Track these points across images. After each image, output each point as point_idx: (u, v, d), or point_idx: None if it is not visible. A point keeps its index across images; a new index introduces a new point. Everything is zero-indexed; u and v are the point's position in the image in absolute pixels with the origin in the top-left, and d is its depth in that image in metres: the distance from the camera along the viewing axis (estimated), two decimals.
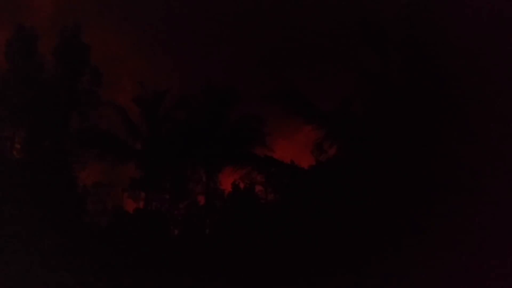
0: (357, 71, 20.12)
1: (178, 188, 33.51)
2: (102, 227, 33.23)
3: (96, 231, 30.50)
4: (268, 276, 19.86)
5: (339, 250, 17.67)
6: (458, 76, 17.66)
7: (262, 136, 28.85)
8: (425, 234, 15.60)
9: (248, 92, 31.69)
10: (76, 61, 31.45)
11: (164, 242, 29.57)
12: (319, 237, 18.61)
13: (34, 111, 30.03)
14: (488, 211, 15.02)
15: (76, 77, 31.61)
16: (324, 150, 21.61)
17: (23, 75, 30.53)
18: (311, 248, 18.65)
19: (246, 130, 29.84)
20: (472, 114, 16.91)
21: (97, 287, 21.28)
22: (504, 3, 16.98)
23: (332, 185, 19.83)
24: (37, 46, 31.54)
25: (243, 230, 27.20)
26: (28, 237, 22.90)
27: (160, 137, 30.51)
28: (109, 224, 33.98)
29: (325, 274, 17.21)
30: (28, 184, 26.08)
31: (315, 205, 19.42)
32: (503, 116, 16.14)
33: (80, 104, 31.54)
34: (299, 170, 22.56)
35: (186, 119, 30.64)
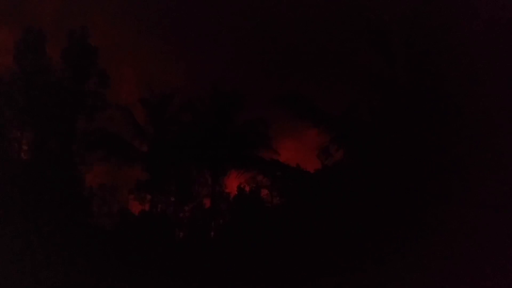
0: (364, 75, 20.07)
1: (184, 191, 33.56)
2: (107, 229, 33.30)
3: (101, 232, 30.55)
4: (273, 279, 19.81)
5: (344, 253, 17.62)
6: (465, 80, 17.59)
7: (268, 140, 28.85)
8: (430, 237, 15.55)
9: (254, 95, 31.71)
10: (84, 63, 31.63)
11: (169, 245, 29.57)
12: (325, 240, 18.56)
13: (41, 112, 30.18)
14: (490, 213, 15.03)
15: (83, 79, 31.77)
16: (330, 154, 21.56)
17: (30, 77, 30.70)
18: (317, 251, 18.61)
19: (252, 133, 29.83)
20: (479, 117, 16.84)
21: None
22: (508, 6, 16.96)
23: (337, 189, 19.77)
24: (45, 48, 31.73)
25: (249, 233, 27.16)
26: (33, 238, 22.97)
27: (166, 139, 30.56)
28: (114, 226, 34.06)
29: (331, 278, 17.16)
30: (34, 185, 26.18)
31: (321, 209, 19.37)
32: (507, 119, 16.12)
33: (87, 106, 31.68)
34: (305, 174, 22.52)
35: (192, 121, 30.67)
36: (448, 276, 14.61)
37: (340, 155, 20.81)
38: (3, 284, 19.68)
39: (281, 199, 28.67)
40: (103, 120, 31.23)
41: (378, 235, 16.92)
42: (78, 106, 31.52)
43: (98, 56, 32.06)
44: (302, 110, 20.15)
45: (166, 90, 31.03)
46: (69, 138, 31.15)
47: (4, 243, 21.77)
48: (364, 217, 17.55)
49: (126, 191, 36.74)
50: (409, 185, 17.17)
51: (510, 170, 15.31)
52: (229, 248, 26.58)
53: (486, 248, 14.57)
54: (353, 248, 17.36)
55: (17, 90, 30.64)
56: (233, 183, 34.49)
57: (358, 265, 16.65)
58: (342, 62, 20.91)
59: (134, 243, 26.46)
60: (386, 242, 16.51)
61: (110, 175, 34.51)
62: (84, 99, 31.74)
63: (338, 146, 20.40)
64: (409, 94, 19.00)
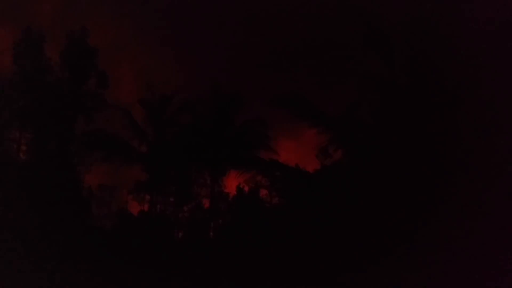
0: (364, 76, 20.09)
1: (183, 191, 33.55)
2: (106, 229, 33.33)
3: (100, 233, 30.57)
4: (272, 280, 19.83)
5: (343, 253, 17.64)
6: (464, 81, 17.62)
7: (267, 140, 28.85)
8: (428, 237, 15.56)
9: (253, 96, 31.76)
10: (83, 64, 31.66)
11: (169, 245, 29.57)
12: (324, 241, 18.58)
13: (40, 113, 30.19)
14: (491, 214, 15.04)
15: (83, 80, 31.80)
16: (329, 154, 21.60)
17: (30, 78, 30.72)
18: (315, 251, 18.62)
19: (251, 134, 29.84)
20: (479, 118, 16.87)
21: None
22: (509, 9, 16.98)
23: (336, 189, 19.79)
24: (44, 49, 31.76)
25: (248, 233, 27.18)
26: (32, 239, 22.97)
27: (165, 140, 30.55)
28: (113, 226, 34.10)
29: (329, 278, 17.17)
30: (33, 185, 26.18)
31: (320, 209, 19.38)
32: (508, 120, 16.14)
33: (86, 107, 31.70)
34: (304, 174, 22.56)
35: (192, 122, 30.67)
36: (447, 276, 14.63)
37: (339, 155, 20.87)
38: (2, 284, 19.69)
39: (280, 199, 28.73)
40: (102, 120, 31.27)
41: (377, 235, 16.94)
42: (77, 107, 31.54)
43: (97, 57, 32.12)
44: (301, 110, 20.16)
45: (166, 90, 31.04)
46: (68, 139, 31.15)
47: (3, 243, 21.78)
48: (363, 217, 17.57)
49: (125, 191, 36.86)
50: (408, 185, 17.19)
51: (510, 170, 15.34)
52: (229, 248, 26.59)
53: (486, 249, 14.59)
54: (352, 248, 17.38)
55: (16, 91, 30.65)
56: (232, 183, 34.59)
57: (357, 265, 16.67)
58: (341, 62, 20.92)
59: (133, 243, 26.46)
60: (386, 242, 16.53)
61: (109, 175, 34.64)
62: (83, 100, 31.77)
63: (337, 146, 20.44)
64: (408, 95, 19.02)
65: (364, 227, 17.35)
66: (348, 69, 20.59)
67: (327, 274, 17.49)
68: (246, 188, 35.46)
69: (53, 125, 30.38)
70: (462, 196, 15.88)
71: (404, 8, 19.22)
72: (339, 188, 19.68)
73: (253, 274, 21.40)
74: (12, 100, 30.27)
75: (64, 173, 29.33)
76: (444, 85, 18.18)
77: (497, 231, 14.67)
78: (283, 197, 26.85)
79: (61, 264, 21.79)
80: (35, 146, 30.73)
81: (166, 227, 32.74)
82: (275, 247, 21.52)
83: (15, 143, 31.53)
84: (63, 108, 30.75)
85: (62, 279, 20.75)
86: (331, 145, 20.41)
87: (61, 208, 25.97)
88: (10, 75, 30.41)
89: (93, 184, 35.31)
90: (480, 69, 17.05)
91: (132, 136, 30.19)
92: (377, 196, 17.53)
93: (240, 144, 29.62)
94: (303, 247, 19.35)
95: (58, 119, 30.48)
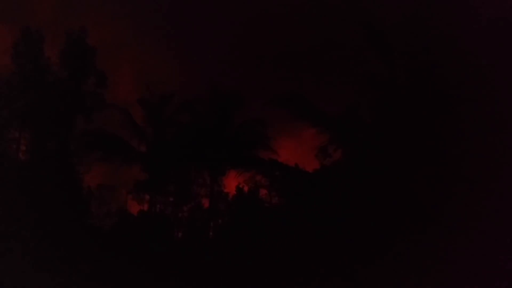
0: (363, 76, 20.10)
1: (183, 191, 33.49)
2: (106, 229, 33.29)
3: (99, 233, 30.54)
4: (272, 279, 19.83)
5: (342, 253, 17.65)
6: (464, 81, 17.63)
7: (266, 140, 28.81)
8: (428, 237, 15.57)
9: (253, 95, 31.69)
10: (82, 63, 31.62)
11: (168, 245, 29.56)
12: (323, 240, 18.59)
13: (40, 113, 30.17)
14: (490, 214, 15.05)
15: (82, 79, 31.76)
16: (328, 154, 21.61)
17: (28, 77, 30.68)
18: (315, 251, 18.63)
19: (250, 133, 29.81)
20: (478, 119, 16.88)
21: None
22: (508, 9, 17.02)
23: (336, 189, 19.80)
24: (43, 48, 31.71)
25: (247, 233, 27.16)
26: (31, 239, 22.96)
27: (164, 139, 30.52)
28: (113, 226, 34.04)
29: (329, 277, 17.18)
30: (32, 185, 26.17)
31: (319, 209, 19.40)
32: (507, 120, 16.16)
33: (85, 106, 31.67)
34: (304, 174, 22.58)
35: (191, 122, 30.65)
36: (447, 276, 14.64)
37: (338, 155, 20.90)
38: (2, 284, 19.68)
39: (280, 199, 28.74)
40: (102, 120, 31.21)
41: (376, 234, 16.95)
42: (76, 106, 31.49)
43: (96, 56, 32.07)
44: (301, 110, 20.20)
45: (165, 90, 31.00)
46: (68, 139, 31.12)
47: (2, 243, 21.77)
48: (362, 217, 17.58)
49: (125, 191, 36.69)
50: (408, 185, 17.20)
51: (510, 170, 15.36)
52: (228, 248, 26.59)
53: (486, 249, 14.60)
54: (352, 248, 17.39)
55: (15, 90, 30.61)
56: (231, 183, 34.48)
57: (356, 264, 16.68)
58: (341, 62, 20.94)
59: (132, 243, 26.45)
60: (385, 242, 16.54)
61: (109, 175, 34.43)
62: (82, 99, 31.71)
63: (336, 146, 20.47)
64: (407, 95, 19.04)
65: (364, 227, 17.36)
66: (348, 69, 20.61)
67: (326, 273, 17.49)
68: (246, 188, 35.37)
69: (52, 125, 30.34)
70: (462, 195, 15.90)
71: (404, 8, 19.24)
72: (339, 188, 19.70)
73: (252, 273, 21.40)
74: (11, 100, 30.24)
75: (64, 173, 29.29)
76: (443, 84, 18.20)
77: (497, 231, 14.68)
78: (282, 197, 26.87)
79: (60, 263, 21.78)
80: (34, 146, 30.70)
81: (166, 227, 32.70)
82: (275, 247, 21.52)
83: (15, 143, 31.48)
84: (62, 107, 30.72)
85: (61, 278, 20.74)
86: (330, 145, 20.47)
87: (60, 208, 25.94)
88: (9, 74, 30.38)
89: (93, 184, 35.19)
90: (479, 69, 17.07)
91: (132, 136, 30.17)
92: (376, 196, 17.55)
93: (240, 144, 29.60)
94: (302, 247, 19.36)
95: (58, 119, 30.45)
